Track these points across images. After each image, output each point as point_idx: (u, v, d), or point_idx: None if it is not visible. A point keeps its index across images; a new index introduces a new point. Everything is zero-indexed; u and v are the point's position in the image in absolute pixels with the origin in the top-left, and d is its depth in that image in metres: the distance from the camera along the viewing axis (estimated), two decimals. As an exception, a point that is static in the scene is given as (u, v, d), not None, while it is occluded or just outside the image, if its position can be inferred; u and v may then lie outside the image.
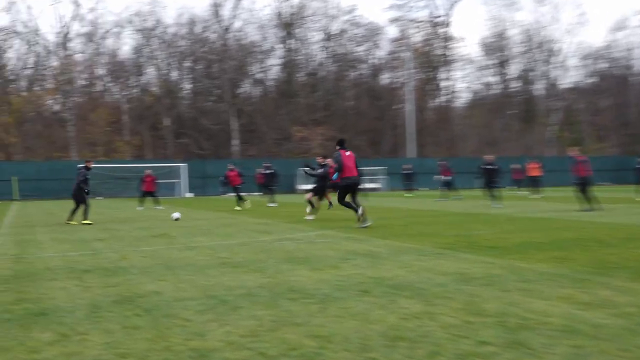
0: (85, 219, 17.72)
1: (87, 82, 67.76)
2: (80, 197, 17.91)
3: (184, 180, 47.52)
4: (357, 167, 14.63)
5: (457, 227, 13.73)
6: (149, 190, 27.02)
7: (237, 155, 62.88)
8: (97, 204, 32.37)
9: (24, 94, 63.69)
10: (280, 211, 22.15)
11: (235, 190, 25.65)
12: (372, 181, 52.75)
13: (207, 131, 64.51)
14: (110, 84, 68.94)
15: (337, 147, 14.64)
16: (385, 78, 76.61)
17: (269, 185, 29.29)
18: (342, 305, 5.73)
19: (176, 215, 18.33)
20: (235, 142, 64.14)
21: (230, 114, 64.73)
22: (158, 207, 26.65)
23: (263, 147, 63.92)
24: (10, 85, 62.81)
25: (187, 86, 69.76)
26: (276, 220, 17.44)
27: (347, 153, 14.55)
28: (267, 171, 29.71)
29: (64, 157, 58.17)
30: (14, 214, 24.61)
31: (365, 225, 14.00)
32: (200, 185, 48.76)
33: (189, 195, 46.64)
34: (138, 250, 10.38)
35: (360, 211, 14.17)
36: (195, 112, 65.22)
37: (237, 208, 24.00)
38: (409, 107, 61.09)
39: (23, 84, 65.33)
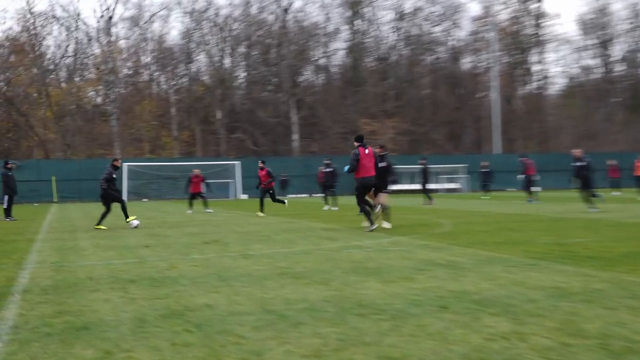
0: (127, 217, 18.51)
1: (132, 72, 69.34)
2: (109, 196, 18.45)
3: (238, 179, 48.10)
4: (376, 166, 15.58)
5: (552, 234, 13.46)
6: (196, 192, 27.27)
7: (297, 151, 63.15)
8: (143, 207, 33.10)
9: (64, 85, 65.58)
10: (347, 215, 22.18)
11: (267, 192, 24.28)
12: (450, 181, 52.35)
13: (263, 125, 65.09)
14: (157, 73, 70.39)
15: (356, 144, 15.43)
16: (466, 62, 75.80)
17: (329, 185, 29.05)
18: (417, 322, 5.71)
19: (135, 223, 18.38)
20: (295, 137, 64.35)
21: (289, 106, 65.14)
22: (207, 210, 26.98)
23: (326, 143, 64.07)
24: (49, 76, 64.78)
25: (241, 75, 70.52)
26: (343, 225, 17.58)
27: (367, 151, 15.38)
28: (328, 169, 29.45)
29: (106, 154, 59.65)
30: (53, 217, 25.37)
31: (371, 229, 15.15)
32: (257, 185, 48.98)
33: (243, 196, 47.18)
34: (188, 259, 10.54)
35: (372, 217, 15.47)
36: (251, 103, 65.84)
37: (260, 214, 23.26)
38: (494, 96, 60.24)
39: (62, 74, 67.32)
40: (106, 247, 12.77)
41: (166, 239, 14.54)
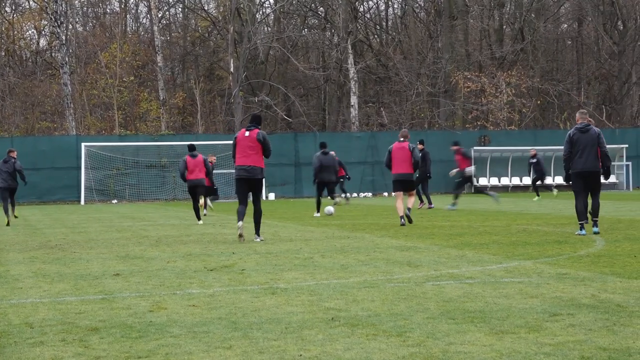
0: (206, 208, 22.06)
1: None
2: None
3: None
4: (267, 152, 15.68)
5: None
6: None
7: (357, 125, 54.79)
8: (112, 212, 30.43)
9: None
10: (437, 225, 20.28)
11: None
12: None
13: (303, 83, 58.55)
14: (134, 0, 63.40)
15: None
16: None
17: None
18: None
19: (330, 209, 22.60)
20: (354, 101, 55.52)
21: (344, 52, 55.68)
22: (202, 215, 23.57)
23: (405, 110, 56.59)
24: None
25: (268, 2, 61.92)
26: (430, 242, 15.62)
27: (247, 133, 15.33)
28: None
29: (55, 129, 53.22)
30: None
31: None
32: (292, 177, 45.32)
33: (270, 196, 43.29)
34: (182, 294, 9.55)
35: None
36: (282, 48, 56.84)
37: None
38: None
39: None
40: (54, 276, 11.45)
41: (148, 263, 13.04)
